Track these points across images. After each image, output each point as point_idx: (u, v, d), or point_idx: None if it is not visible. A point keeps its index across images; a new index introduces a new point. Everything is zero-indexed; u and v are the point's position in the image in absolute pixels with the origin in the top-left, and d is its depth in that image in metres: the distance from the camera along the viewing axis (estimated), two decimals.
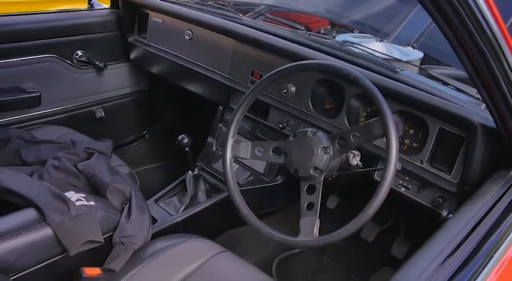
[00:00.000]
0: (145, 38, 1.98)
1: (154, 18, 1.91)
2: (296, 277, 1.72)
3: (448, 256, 0.76)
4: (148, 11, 1.94)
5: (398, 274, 0.74)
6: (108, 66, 2.02)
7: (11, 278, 1.05)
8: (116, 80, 2.10)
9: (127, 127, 2.22)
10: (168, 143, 2.16)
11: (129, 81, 2.15)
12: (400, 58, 1.56)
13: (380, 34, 1.58)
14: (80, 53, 1.92)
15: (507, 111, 0.90)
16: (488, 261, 0.78)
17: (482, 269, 0.76)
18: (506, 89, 0.85)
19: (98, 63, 1.97)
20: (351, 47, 1.52)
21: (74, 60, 1.92)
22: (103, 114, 2.06)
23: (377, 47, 1.63)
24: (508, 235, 0.85)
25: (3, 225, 1.09)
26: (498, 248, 0.81)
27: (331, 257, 1.81)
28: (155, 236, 1.35)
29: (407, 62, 1.55)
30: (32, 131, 1.68)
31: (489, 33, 0.76)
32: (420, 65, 1.55)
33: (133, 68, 2.13)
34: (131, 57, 2.08)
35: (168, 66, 1.95)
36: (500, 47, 0.78)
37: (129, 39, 2.03)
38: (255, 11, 1.94)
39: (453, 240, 0.80)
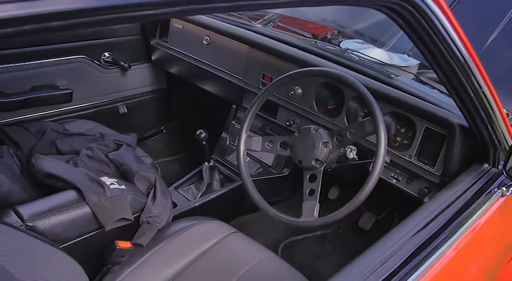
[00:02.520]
0: (167, 42, 2.14)
1: (175, 24, 2.08)
2: (299, 261, 1.88)
3: (418, 231, 0.94)
4: (169, 17, 2.11)
5: (378, 242, 0.91)
6: (131, 66, 2.18)
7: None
8: (138, 79, 2.26)
9: (147, 123, 2.38)
10: (185, 138, 2.33)
11: (150, 80, 2.31)
12: (399, 64, 1.73)
13: (377, 43, 1.74)
14: (107, 54, 2.09)
15: (475, 114, 1.07)
16: (452, 236, 0.95)
17: (445, 243, 0.93)
18: (473, 95, 1.02)
19: (122, 63, 2.13)
20: (352, 55, 1.69)
21: (102, 61, 2.09)
22: (126, 110, 2.23)
23: (378, 54, 1.80)
24: (472, 216, 1.02)
25: (50, 203, 1.28)
26: (462, 226, 0.99)
27: (332, 244, 1.98)
28: (176, 218, 1.52)
29: (405, 68, 1.72)
30: (64, 124, 1.84)
31: (456, 51, 0.93)
32: (418, 70, 1.72)
33: (154, 68, 2.29)
34: (153, 58, 2.24)
35: (186, 68, 2.11)
36: (467, 63, 0.96)
37: (151, 43, 2.20)
38: (265, 17, 2.12)
39: (423, 219, 0.98)
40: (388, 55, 1.83)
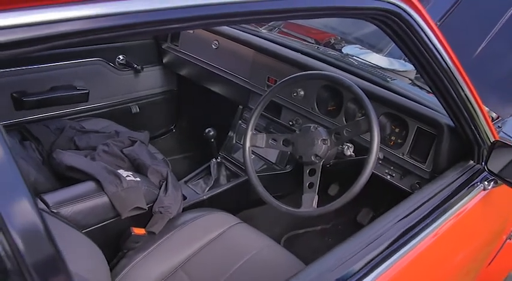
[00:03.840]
0: (177, 46, 2.26)
1: None
2: (300, 252, 1.98)
3: (402, 218, 1.05)
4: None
5: (366, 226, 1.03)
6: (144, 68, 2.29)
7: None
8: (150, 81, 2.37)
9: (158, 122, 2.48)
10: (193, 137, 2.43)
11: (161, 82, 2.41)
12: (397, 69, 1.84)
13: (375, 49, 1.86)
14: (121, 57, 2.20)
15: (459, 114, 1.18)
16: (433, 223, 1.06)
17: (426, 229, 1.04)
18: (456, 97, 1.13)
19: (136, 66, 2.24)
20: (351, 59, 1.81)
21: (116, 63, 2.20)
22: (138, 110, 2.33)
23: (378, 59, 1.91)
24: (453, 206, 1.14)
25: (72, 192, 1.40)
26: (443, 215, 1.10)
27: (331, 238, 2.09)
28: (185, 209, 1.64)
29: (403, 72, 1.84)
30: (81, 122, 1.94)
31: (440, 59, 1.04)
32: (416, 74, 1.82)
33: (165, 71, 2.40)
34: (164, 61, 2.35)
35: (196, 70, 2.22)
36: (450, 70, 1.06)
37: (163, 46, 2.31)
38: (270, 24, 2.23)
39: (409, 208, 1.09)
40: (388, 61, 1.95)
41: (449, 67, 1.06)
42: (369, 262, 0.93)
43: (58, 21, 0.50)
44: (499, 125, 1.62)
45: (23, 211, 0.49)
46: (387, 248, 0.96)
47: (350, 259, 0.93)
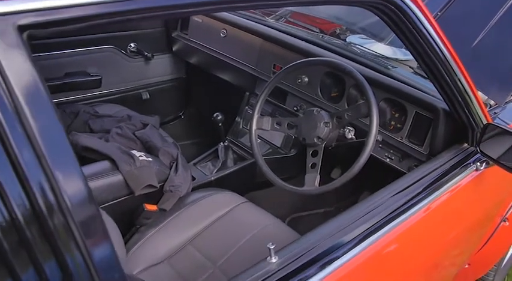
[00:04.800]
0: (187, 34, 2.33)
1: (195, 18, 2.25)
2: (303, 233, 2.08)
3: (397, 193, 1.13)
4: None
5: (365, 199, 1.11)
6: (154, 56, 2.36)
7: None
8: (160, 68, 2.45)
9: (167, 108, 2.56)
10: (202, 123, 2.52)
11: (170, 69, 2.49)
12: (400, 58, 1.91)
13: (378, 38, 1.93)
14: (132, 45, 2.28)
15: (454, 98, 1.25)
16: (426, 198, 1.14)
17: (420, 203, 1.12)
18: (450, 82, 1.20)
19: (146, 53, 2.32)
20: (354, 48, 1.88)
21: (128, 51, 2.28)
22: (148, 96, 2.41)
23: (382, 48, 1.98)
24: (446, 183, 1.21)
25: (89, 170, 1.48)
26: (436, 191, 1.18)
27: None
28: (194, 189, 1.71)
29: (405, 61, 1.91)
30: (94, 107, 2.02)
31: (434, 45, 1.11)
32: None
33: (175, 58, 2.47)
34: (173, 49, 2.43)
35: (204, 58, 2.29)
36: (444, 55, 1.14)
37: (173, 35, 2.39)
38: (277, 13, 2.30)
39: (404, 184, 1.17)
40: (391, 50, 2.01)
41: (443, 54, 1.13)
42: (362, 232, 1.01)
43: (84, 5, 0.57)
44: (496, 111, 1.69)
45: (73, 176, 0.58)
46: (381, 219, 1.04)
47: (345, 228, 1.01)
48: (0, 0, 0.49)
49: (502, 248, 1.88)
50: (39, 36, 0.54)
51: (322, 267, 0.91)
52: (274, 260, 0.90)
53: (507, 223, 1.76)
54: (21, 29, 0.50)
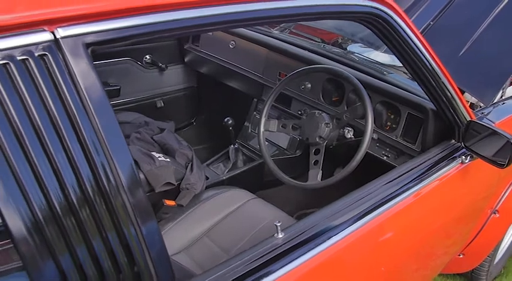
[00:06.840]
0: (198, 46, 2.50)
1: None
2: None
3: (388, 182, 1.28)
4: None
5: (359, 188, 1.26)
6: (168, 67, 2.53)
7: None
8: (173, 78, 2.60)
9: (180, 115, 2.70)
10: (212, 129, 2.67)
11: (182, 79, 2.65)
12: (397, 64, 2.05)
13: (375, 46, 2.09)
14: (148, 56, 2.44)
15: (440, 100, 1.40)
16: (414, 186, 1.30)
17: (409, 190, 1.28)
18: (435, 86, 1.35)
19: (160, 64, 2.48)
20: (353, 56, 2.04)
21: (144, 62, 2.44)
22: (162, 104, 2.56)
23: (381, 56, 2.13)
24: (433, 174, 1.36)
25: None
26: (424, 180, 1.33)
27: None
28: (207, 187, 1.87)
29: (400, 67, 2.05)
30: None
31: (419, 53, 1.26)
32: None
33: (187, 69, 2.63)
34: (186, 60, 2.59)
35: (214, 68, 2.45)
36: (428, 61, 1.29)
37: (185, 47, 2.56)
38: (281, 25, 2.47)
39: (395, 174, 1.32)
40: (389, 57, 2.16)
41: (427, 59, 1.29)
42: (356, 214, 1.16)
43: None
44: (483, 112, 1.83)
45: (127, 161, 0.74)
46: (373, 204, 1.20)
47: (341, 211, 1.16)
48: (74, 25, 0.66)
49: (493, 239, 2.00)
50: (98, 51, 0.71)
51: (321, 242, 1.06)
52: (280, 236, 1.05)
53: (497, 215, 1.89)
54: (87, 45, 0.68)
